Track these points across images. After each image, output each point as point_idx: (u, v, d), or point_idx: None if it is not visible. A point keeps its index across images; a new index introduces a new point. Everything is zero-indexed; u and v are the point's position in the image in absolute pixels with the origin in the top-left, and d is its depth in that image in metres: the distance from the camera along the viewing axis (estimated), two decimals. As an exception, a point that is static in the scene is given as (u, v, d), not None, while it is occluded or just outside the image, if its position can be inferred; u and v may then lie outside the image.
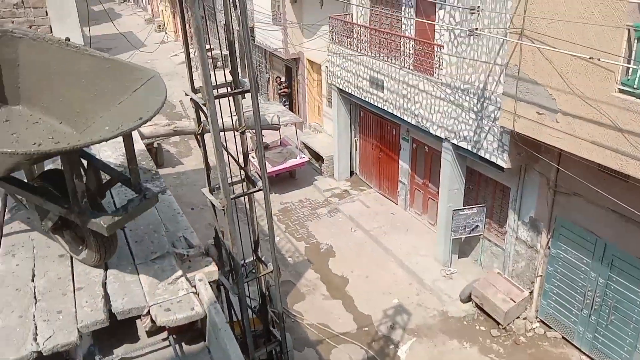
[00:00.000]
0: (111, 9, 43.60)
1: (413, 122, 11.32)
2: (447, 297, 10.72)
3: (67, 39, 3.39)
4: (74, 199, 3.16)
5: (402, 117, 11.66)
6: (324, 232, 13.33)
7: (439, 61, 10.26)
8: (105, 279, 3.56)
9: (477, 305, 10.35)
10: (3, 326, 3.21)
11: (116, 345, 3.49)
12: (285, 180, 15.54)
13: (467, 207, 11.01)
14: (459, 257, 11.67)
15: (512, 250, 10.41)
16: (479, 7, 8.89)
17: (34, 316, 3.29)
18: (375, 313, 10.52)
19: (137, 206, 3.35)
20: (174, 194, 5.19)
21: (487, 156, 9.53)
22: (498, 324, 9.91)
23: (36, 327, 3.21)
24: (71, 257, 3.77)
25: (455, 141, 10.23)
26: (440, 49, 10.16)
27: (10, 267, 3.72)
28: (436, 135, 10.75)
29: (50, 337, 3.13)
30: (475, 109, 9.54)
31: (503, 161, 9.19)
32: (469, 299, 10.49)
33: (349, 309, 10.73)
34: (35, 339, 3.12)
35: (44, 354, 3.09)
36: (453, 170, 10.70)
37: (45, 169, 4.02)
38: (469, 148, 9.90)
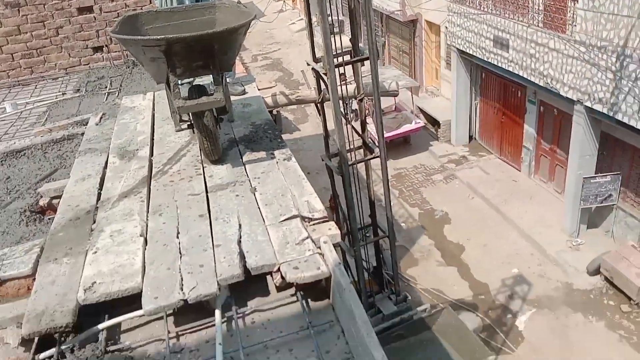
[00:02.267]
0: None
1: (541, 84, 10.61)
2: (573, 269, 10.13)
3: (239, 2, 4.84)
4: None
5: (528, 79, 10.97)
6: (439, 198, 13.13)
7: (573, 17, 9.44)
8: (240, 237, 3.87)
9: (606, 279, 9.68)
10: (154, 277, 3.65)
11: (249, 299, 3.80)
12: (399, 145, 15.42)
13: (599, 174, 10.20)
14: (587, 228, 10.92)
15: (651, 223, 9.53)
16: (622, -47, 7.99)
17: (179, 269, 3.68)
18: (492, 282, 10.26)
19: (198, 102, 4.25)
20: (290, 159, 5.46)
21: (625, 119, 8.71)
22: (629, 299, 9.21)
23: (182, 278, 3.60)
24: (210, 217, 4.14)
25: (588, 104, 9.44)
26: (574, 4, 9.32)
27: (158, 225, 4.18)
28: (567, 98, 10.00)
29: (194, 287, 3.50)
30: (613, 69, 8.70)
31: (644, 125, 8.36)
32: (597, 272, 9.83)
33: (464, 277, 10.57)
34: (181, 289, 3.51)
35: (189, 302, 3.47)
36: (585, 135, 9.93)
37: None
38: (605, 111, 9.09)
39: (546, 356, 8.65)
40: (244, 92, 6.24)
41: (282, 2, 30.08)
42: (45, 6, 8.25)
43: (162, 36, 4.02)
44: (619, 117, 8.81)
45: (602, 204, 10.34)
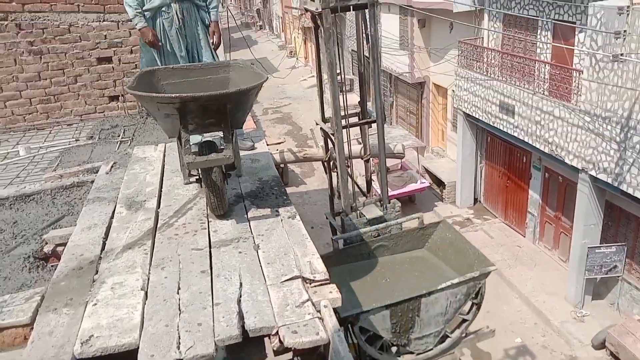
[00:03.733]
0: (249, 36, 46.77)
1: (546, 151, 10.73)
2: (577, 341, 9.89)
3: (252, 64, 4.99)
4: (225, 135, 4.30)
5: (534, 145, 11.11)
6: (443, 260, 13.00)
7: (578, 87, 9.66)
8: (240, 296, 3.84)
9: (611, 354, 9.42)
10: (153, 333, 3.60)
11: (246, 360, 3.74)
12: (404, 205, 15.24)
13: (604, 244, 10.13)
14: (592, 299, 10.74)
15: (658, 297, 9.38)
16: (625, 31, 8.27)
17: (178, 326, 3.63)
18: (495, 352, 10.01)
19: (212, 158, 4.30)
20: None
21: (630, 190, 8.74)
22: (637, 377, 8.94)
23: (179, 336, 3.54)
24: (211, 274, 4.13)
25: (593, 173, 9.51)
26: (579, 74, 9.57)
27: (160, 279, 4.15)
28: (572, 166, 10.09)
29: (191, 347, 3.44)
30: (617, 139, 8.82)
31: (649, 197, 8.38)
32: (602, 345, 9.59)
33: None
34: (178, 348, 3.45)
35: (184, 362, 3.40)
36: (590, 203, 9.94)
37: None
38: (609, 181, 9.15)
39: None
40: (253, 148, 6.35)
41: (295, 58, 30.97)
42: (67, 55, 8.53)
43: (177, 95, 4.15)
44: (624, 187, 8.85)
45: (607, 275, 10.22)
